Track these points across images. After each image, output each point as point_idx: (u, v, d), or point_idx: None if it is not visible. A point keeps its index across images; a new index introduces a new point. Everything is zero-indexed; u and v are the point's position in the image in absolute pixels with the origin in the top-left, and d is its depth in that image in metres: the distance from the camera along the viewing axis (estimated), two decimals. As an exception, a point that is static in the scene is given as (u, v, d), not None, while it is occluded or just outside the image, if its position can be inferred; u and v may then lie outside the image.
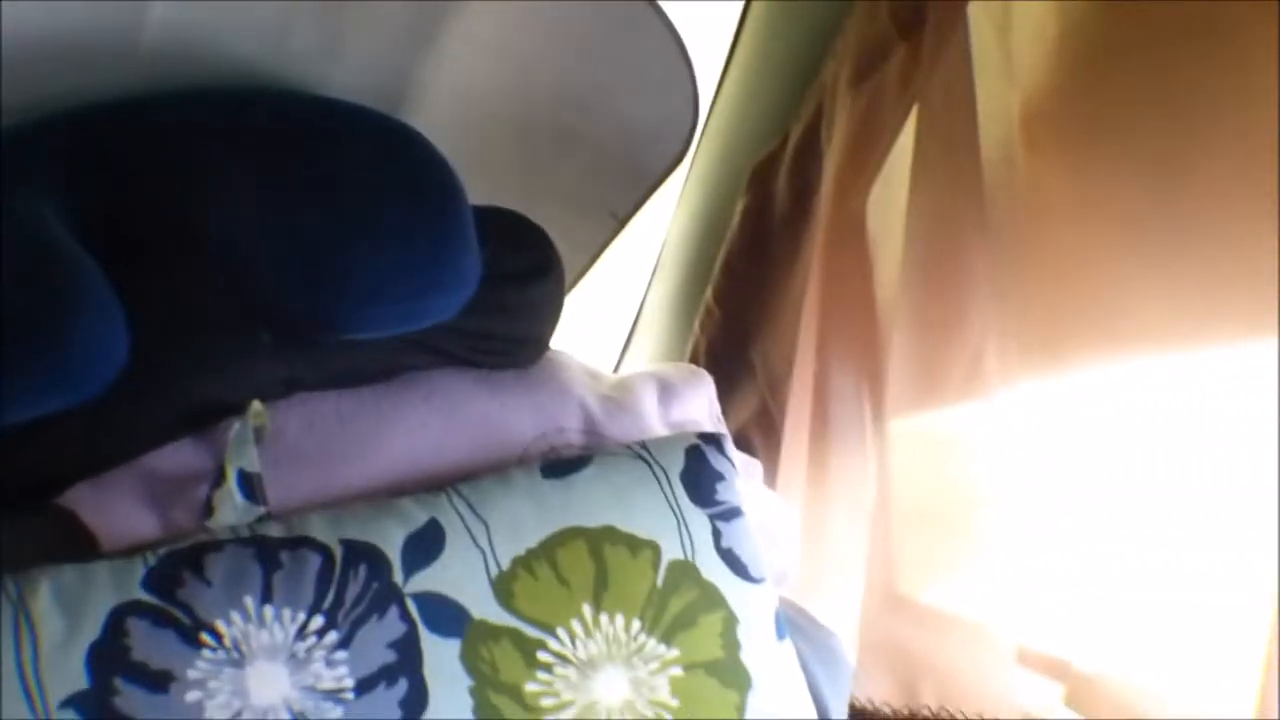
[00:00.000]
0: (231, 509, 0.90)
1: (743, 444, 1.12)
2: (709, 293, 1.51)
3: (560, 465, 0.98)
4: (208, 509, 0.91)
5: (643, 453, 1.00)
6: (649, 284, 1.64)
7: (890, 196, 1.32)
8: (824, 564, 1.38)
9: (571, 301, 1.16)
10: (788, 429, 1.41)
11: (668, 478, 0.99)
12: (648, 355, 1.69)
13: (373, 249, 0.96)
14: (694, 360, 1.54)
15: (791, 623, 1.03)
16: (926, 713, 1.07)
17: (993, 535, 1.14)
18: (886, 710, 1.09)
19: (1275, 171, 0.86)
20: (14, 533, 0.91)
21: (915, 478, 1.22)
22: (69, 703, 0.79)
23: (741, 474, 1.06)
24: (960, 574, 1.18)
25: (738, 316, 1.48)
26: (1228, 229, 0.94)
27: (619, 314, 1.69)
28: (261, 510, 0.91)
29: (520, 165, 1.27)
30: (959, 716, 1.05)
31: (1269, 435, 0.90)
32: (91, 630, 0.81)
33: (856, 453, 1.40)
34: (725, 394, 1.25)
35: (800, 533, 1.27)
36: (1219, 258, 0.96)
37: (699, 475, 1.00)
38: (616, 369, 1.75)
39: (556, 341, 1.13)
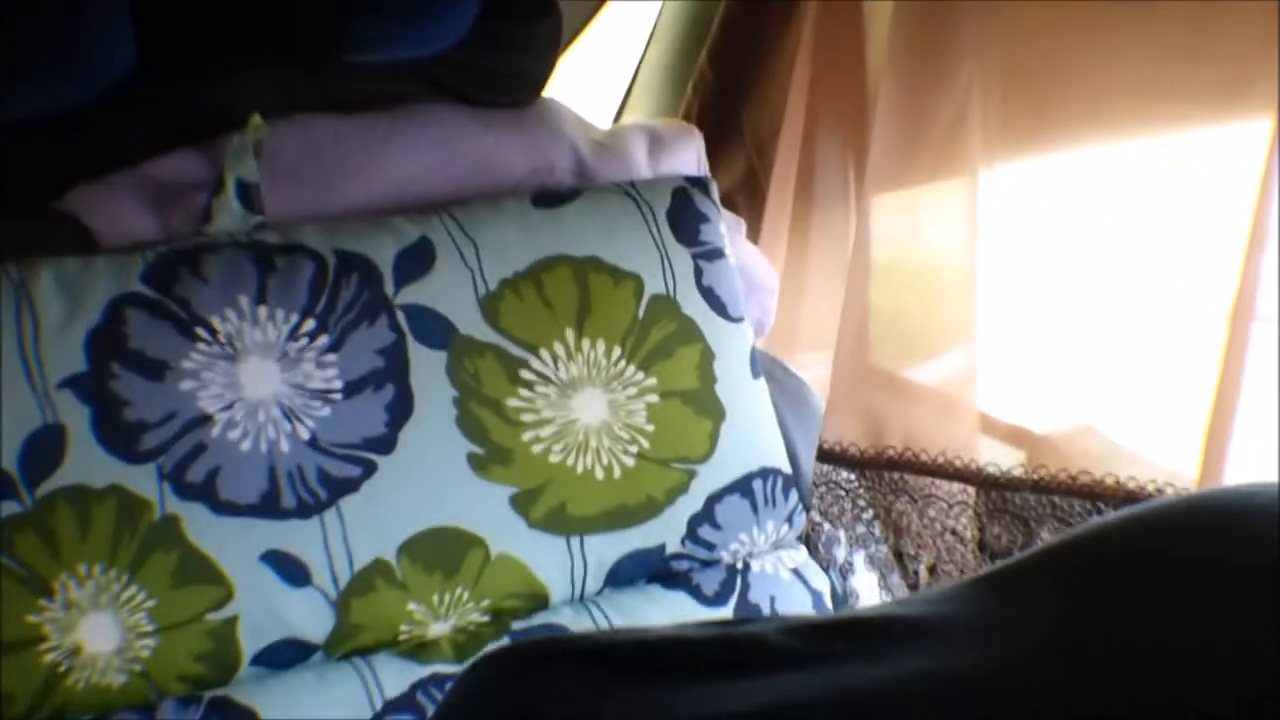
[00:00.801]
0: (229, 216, 0.92)
1: (728, 207, 1.13)
2: (704, 55, 1.50)
3: (550, 196, 1.00)
4: (206, 215, 0.93)
5: (631, 190, 1.02)
6: (646, 46, 1.64)
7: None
8: (800, 325, 1.42)
9: (568, 62, 1.17)
10: (772, 192, 1.42)
11: (654, 215, 1.01)
12: (642, 117, 1.69)
13: None
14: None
15: (765, 370, 1.06)
16: (892, 453, 1.11)
17: (963, 309, 1.16)
18: (854, 450, 1.13)
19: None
20: (15, 230, 0.93)
21: (893, 251, 1.24)
22: (67, 383, 0.83)
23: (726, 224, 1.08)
24: (931, 350, 1.21)
25: (731, 79, 1.48)
26: (1212, 8, 0.95)
27: (615, 76, 1.69)
28: (258, 220, 0.93)
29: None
30: (924, 457, 1.09)
31: (1230, 213, 0.93)
32: (90, 316, 0.84)
33: (839, 219, 1.42)
34: (713, 157, 1.26)
35: (779, 292, 1.30)
36: (1204, 39, 0.97)
37: (684, 215, 1.03)
38: (610, 128, 1.75)
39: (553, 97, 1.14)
